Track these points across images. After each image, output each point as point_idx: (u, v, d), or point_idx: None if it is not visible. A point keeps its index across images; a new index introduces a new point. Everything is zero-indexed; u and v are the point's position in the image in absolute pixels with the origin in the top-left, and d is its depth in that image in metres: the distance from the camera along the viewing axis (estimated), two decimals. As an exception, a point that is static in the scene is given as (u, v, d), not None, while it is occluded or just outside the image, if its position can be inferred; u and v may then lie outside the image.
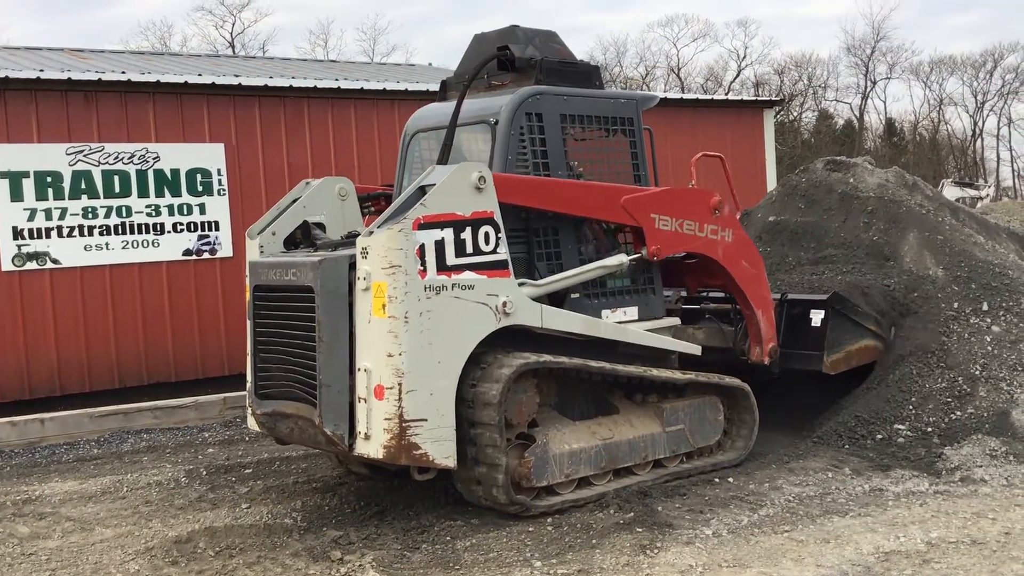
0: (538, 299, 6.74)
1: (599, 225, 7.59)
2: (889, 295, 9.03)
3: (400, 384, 5.95)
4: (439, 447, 6.09)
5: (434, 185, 6.19)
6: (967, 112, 59.77)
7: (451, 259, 6.13)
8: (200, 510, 7.37)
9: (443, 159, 6.77)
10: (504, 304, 6.38)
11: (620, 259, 7.21)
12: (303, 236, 7.45)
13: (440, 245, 6.09)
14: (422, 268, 6.02)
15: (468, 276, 6.21)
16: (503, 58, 7.38)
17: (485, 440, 6.27)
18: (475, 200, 6.28)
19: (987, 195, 31.31)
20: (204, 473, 8.47)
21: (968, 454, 7.51)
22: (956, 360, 8.43)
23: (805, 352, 8.42)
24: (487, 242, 6.31)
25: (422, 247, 6.02)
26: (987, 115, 59.32)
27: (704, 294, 8.82)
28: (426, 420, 6.03)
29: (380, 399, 6.00)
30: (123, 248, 11.42)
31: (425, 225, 6.04)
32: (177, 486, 8.13)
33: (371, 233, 6.08)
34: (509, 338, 6.51)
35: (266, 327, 7.01)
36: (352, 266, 6.22)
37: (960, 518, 6.30)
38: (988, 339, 8.58)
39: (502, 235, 6.41)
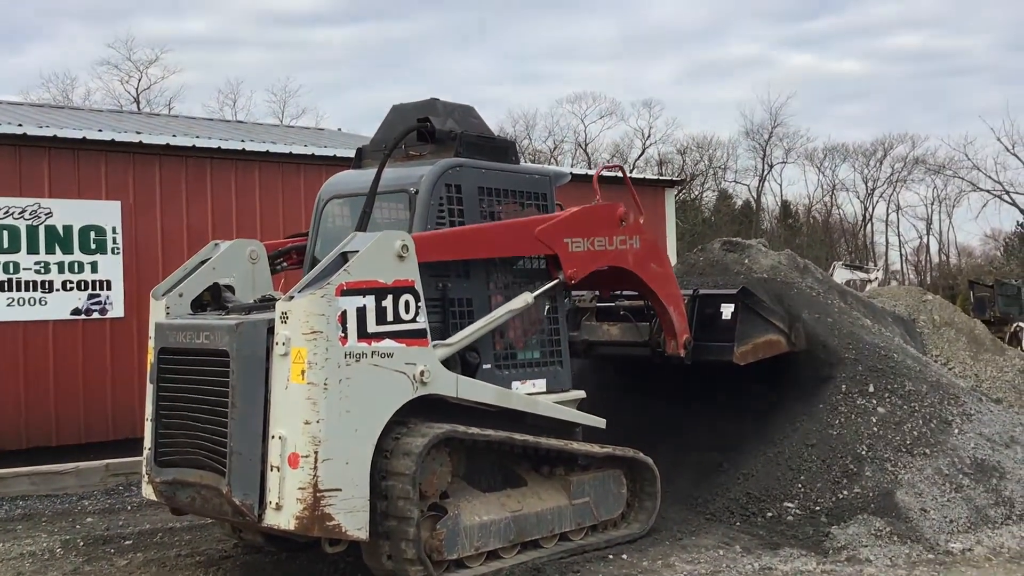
0: (451, 363, 6.75)
1: (510, 277, 7.65)
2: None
3: (316, 452, 5.85)
4: (352, 518, 5.99)
5: (357, 252, 6.18)
6: (858, 198, 62.71)
7: (372, 327, 6.11)
8: (74, 584, 7.03)
9: (362, 226, 6.78)
10: (422, 373, 6.38)
11: (524, 299, 7.27)
12: (213, 298, 7.29)
13: (362, 312, 6.07)
14: (343, 335, 5.98)
15: (388, 344, 6.19)
16: (424, 130, 7.48)
17: (398, 511, 6.19)
18: (397, 268, 6.30)
19: (876, 278, 32.72)
20: (81, 544, 8.11)
21: (854, 534, 7.74)
22: (843, 440, 8.73)
23: (717, 344, 8.78)
24: (407, 310, 6.32)
25: (344, 313, 5.99)
26: (877, 201, 62.31)
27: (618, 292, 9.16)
28: (340, 490, 5.93)
29: (294, 467, 5.87)
30: (8, 305, 10.97)
31: (348, 292, 6.02)
32: (52, 557, 7.75)
33: (291, 298, 6.02)
34: (422, 406, 6.49)
35: (171, 391, 6.80)
36: (270, 330, 6.12)
37: (846, 598, 6.47)
38: (874, 420, 8.91)
39: (422, 304, 6.44)
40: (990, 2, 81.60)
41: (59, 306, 11.29)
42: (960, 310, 13.36)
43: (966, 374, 11.50)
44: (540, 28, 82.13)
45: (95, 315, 11.52)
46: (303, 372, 5.89)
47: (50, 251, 11.23)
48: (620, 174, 8.89)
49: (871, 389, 9.17)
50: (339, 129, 23.14)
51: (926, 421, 8.87)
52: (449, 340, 6.82)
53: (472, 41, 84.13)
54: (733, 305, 8.85)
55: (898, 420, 8.88)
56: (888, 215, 62.42)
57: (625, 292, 9.09)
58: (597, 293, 9.33)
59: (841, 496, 8.23)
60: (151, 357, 7.00)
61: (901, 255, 63.16)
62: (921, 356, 10.38)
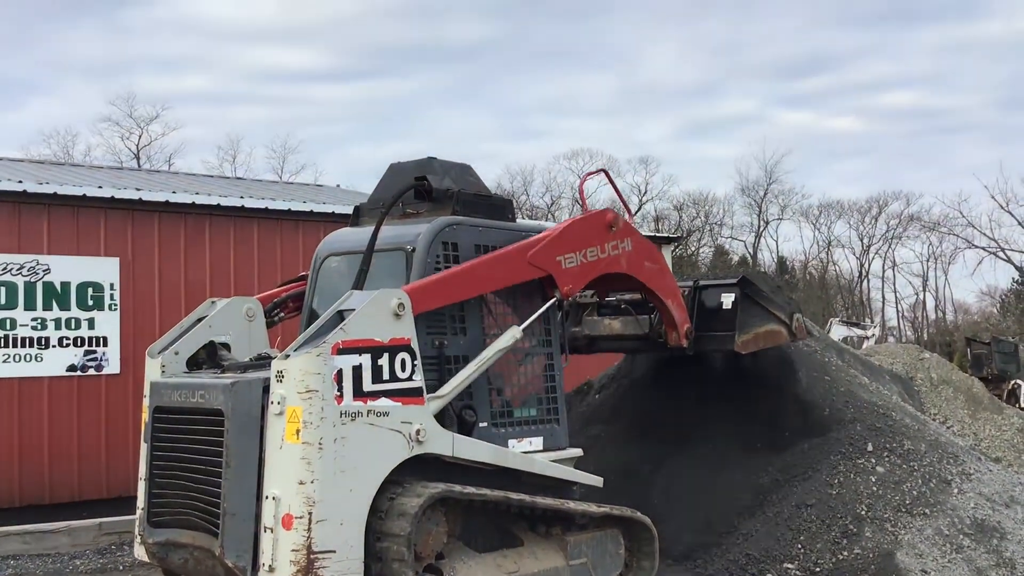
0: (447, 420, 6.69)
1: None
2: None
3: (310, 513, 5.79)
4: (346, 580, 5.91)
5: (353, 310, 6.19)
6: (854, 254, 62.94)
7: (368, 385, 6.09)
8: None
9: (359, 284, 6.80)
10: (418, 432, 6.34)
11: (512, 333, 7.17)
12: (208, 357, 7.29)
13: (358, 371, 6.05)
14: (339, 393, 5.96)
15: (384, 403, 6.16)
16: (421, 188, 7.54)
17: (393, 574, 6.10)
18: (393, 326, 6.29)
19: (873, 335, 32.67)
20: (73, 606, 8.00)
21: (856, 595, 7.68)
22: (843, 499, 8.67)
23: (718, 334, 8.81)
24: (403, 369, 6.30)
25: (340, 372, 5.97)
26: (872, 258, 62.55)
27: None
28: (335, 552, 5.86)
29: (288, 529, 5.81)
30: (3, 362, 10.93)
31: (344, 350, 6.01)
32: (45, 618, 7.65)
33: (287, 356, 6.01)
34: (417, 464, 6.44)
35: (165, 451, 6.75)
36: (266, 389, 6.11)
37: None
38: (873, 479, 8.86)
39: (418, 362, 6.42)
40: (983, 62, 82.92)
41: (55, 362, 11.27)
42: (957, 368, 13.37)
43: (965, 433, 11.48)
44: (537, 84, 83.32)
45: (91, 371, 11.50)
46: (298, 431, 5.86)
47: (47, 307, 11.24)
48: (605, 179, 8.74)
49: (870, 448, 9.14)
50: (338, 185, 23.32)
51: (925, 481, 8.82)
52: (441, 391, 6.72)
53: (470, 97, 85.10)
54: (733, 295, 8.85)
55: (897, 480, 8.83)
56: (884, 271, 62.66)
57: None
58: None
59: (841, 557, 8.15)
60: (146, 416, 6.97)
61: (898, 311, 63.25)
62: (919, 415, 10.38)
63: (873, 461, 9.04)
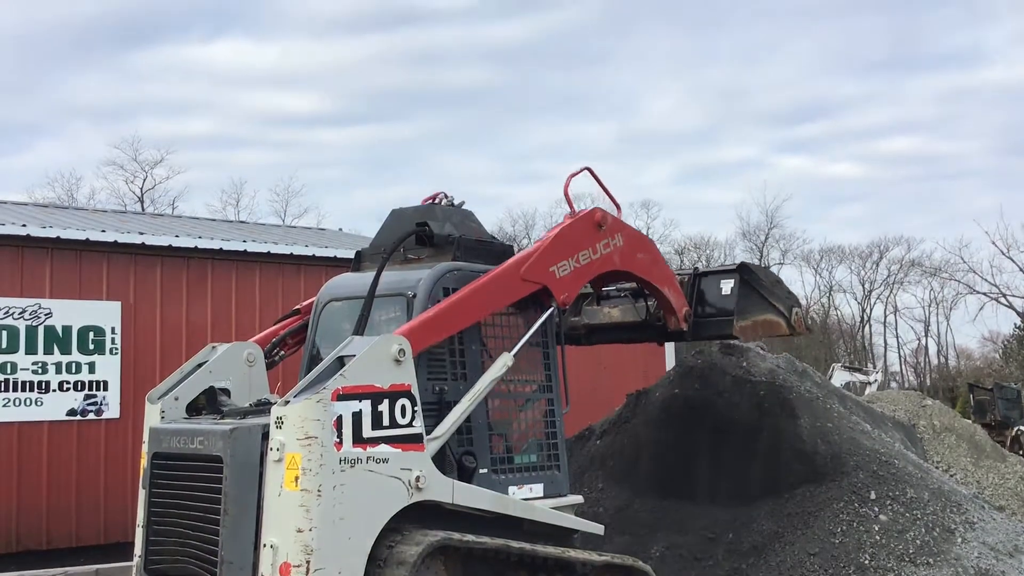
0: (446, 467, 6.65)
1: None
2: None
3: (308, 562, 5.74)
4: (344, 630, 5.84)
5: (354, 356, 6.18)
6: (855, 299, 62.79)
7: (367, 431, 6.06)
8: None
9: (360, 330, 6.80)
10: (417, 479, 6.30)
11: (503, 361, 7.08)
12: (208, 402, 7.26)
13: (357, 417, 6.02)
14: (338, 440, 5.93)
15: (383, 449, 6.13)
16: (422, 234, 7.56)
17: (391, 624, 6.04)
18: (394, 372, 6.28)
19: (875, 380, 32.49)
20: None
21: (859, 647, 7.59)
22: (846, 548, 8.60)
23: (716, 319, 8.77)
24: (403, 415, 6.28)
25: (339, 418, 5.95)
26: (874, 303, 62.39)
27: None
28: (332, 601, 5.80)
29: (285, 577, 5.75)
30: (3, 406, 10.91)
31: (344, 396, 5.99)
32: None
33: (287, 403, 6.00)
34: (416, 511, 6.39)
35: (164, 497, 6.71)
36: (265, 436, 6.08)
37: None
38: (876, 528, 8.80)
39: (418, 408, 6.40)
40: (981, 108, 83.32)
41: (55, 407, 11.25)
42: (960, 415, 13.35)
43: (968, 481, 11.41)
44: (539, 130, 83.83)
45: (91, 416, 11.47)
46: (297, 479, 5.83)
47: (48, 351, 11.24)
48: (590, 171, 8.55)
49: (872, 496, 9.08)
50: (340, 229, 23.40)
51: (929, 529, 8.75)
52: (436, 432, 6.63)
53: (472, 142, 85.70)
54: (733, 280, 8.83)
55: (900, 528, 8.77)
56: (886, 316, 62.49)
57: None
58: None
59: (845, 607, 8.08)
60: (144, 462, 6.93)
61: (900, 357, 63.00)
62: (922, 462, 10.31)
63: (876, 509, 8.98)
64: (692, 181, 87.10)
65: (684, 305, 8.68)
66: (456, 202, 8.23)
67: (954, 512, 9.03)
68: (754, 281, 9.05)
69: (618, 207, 8.46)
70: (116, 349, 11.66)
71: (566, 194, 8.06)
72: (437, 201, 8.20)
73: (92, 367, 11.52)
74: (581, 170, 8.33)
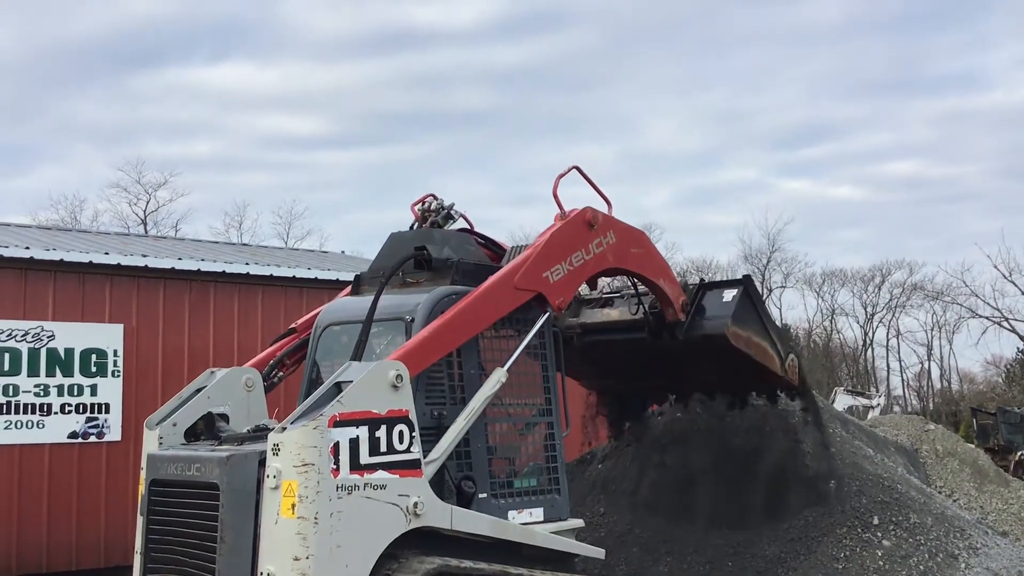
0: (443, 489, 6.61)
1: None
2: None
3: (305, 589, 5.71)
4: (340, 660, 5.80)
5: (351, 382, 6.17)
6: (858, 323, 62.57)
7: (365, 458, 6.03)
8: None
9: (358, 355, 6.78)
10: (415, 505, 6.26)
11: (497, 376, 7.05)
12: (206, 428, 7.24)
13: (355, 443, 5.99)
14: (335, 467, 5.90)
15: (381, 475, 6.10)
16: (420, 258, 7.57)
17: (387, 653, 6.00)
18: (391, 398, 6.25)
19: (878, 404, 32.40)
20: None
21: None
22: (848, 574, 8.54)
23: (711, 319, 8.68)
24: (401, 441, 6.25)
25: (336, 445, 5.92)
26: (876, 326, 62.19)
27: None
28: (329, 629, 5.76)
29: (282, 605, 5.72)
30: (5, 428, 10.91)
31: (341, 423, 5.97)
32: None
33: (284, 429, 5.97)
34: (414, 537, 6.36)
35: (161, 524, 6.68)
36: (262, 463, 6.06)
37: None
38: (879, 554, 8.75)
39: (416, 433, 6.37)
40: (981, 132, 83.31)
41: (56, 429, 11.24)
42: (963, 439, 13.27)
43: (971, 506, 11.34)
44: (540, 152, 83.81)
45: (92, 438, 11.45)
46: (293, 506, 5.79)
47: (50, 374, 11.25)
48: (578, 169, 8.46)
49: (875, 522, 9.03)
50: (343, 252, 23.43)
51: (932, 555, 8.69)
52: (433, 455, 6.58)
53: (473, 164, 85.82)
54: (736, 290, 8.82)
55: (904, 554, 8.71)
56: (888, 340, 62.26)
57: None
58: None
59: (848, 634, 8.01)
60: (142, 488, 6.91)
61: (903, 380, 62.69)
62: (925, 487, 10.27)
63: (879, 535, 8.93)
64: (694, 204, 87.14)
65: (680, 295, 8.69)
66: (446, 204, 8.26)
67: (957, 538, 8.98)
68: (756, 300, 9.04)
69: (609, 204, 8.36)
70: (118, 372, 11.66)
71: (555, 194, 7.97)
72: (427, 204, 8.23)
73: (94, 390, 11.52)
74: (569, 170, 8.23)
